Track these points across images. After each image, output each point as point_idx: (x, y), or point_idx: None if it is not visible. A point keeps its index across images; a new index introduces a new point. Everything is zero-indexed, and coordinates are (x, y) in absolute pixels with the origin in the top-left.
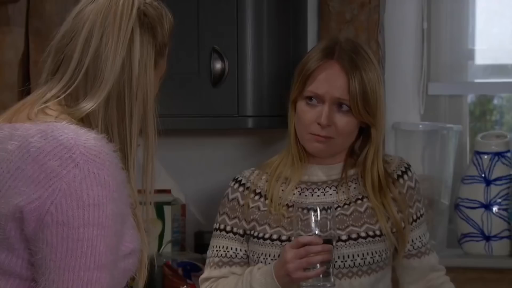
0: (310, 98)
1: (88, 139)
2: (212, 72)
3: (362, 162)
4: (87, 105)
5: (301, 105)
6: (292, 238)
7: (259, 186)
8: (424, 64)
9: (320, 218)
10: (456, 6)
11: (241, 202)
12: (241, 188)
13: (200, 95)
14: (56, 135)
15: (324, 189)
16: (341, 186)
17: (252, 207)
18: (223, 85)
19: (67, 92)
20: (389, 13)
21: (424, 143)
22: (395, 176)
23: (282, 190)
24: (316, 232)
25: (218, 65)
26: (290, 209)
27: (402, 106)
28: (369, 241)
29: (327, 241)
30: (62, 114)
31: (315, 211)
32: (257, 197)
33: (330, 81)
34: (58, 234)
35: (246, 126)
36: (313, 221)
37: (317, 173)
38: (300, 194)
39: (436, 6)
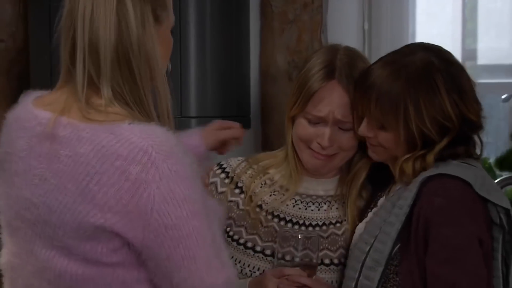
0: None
1: (157, 136)
2: None
3: (351, 178)
4: (107, 91)
5: (301, 121)
6: (267, 251)
7: (242, 180)
8: None
9: (303, 247)
10: (396, 8)
11: (220, 189)
12: (222, 175)
13: None
14: (127, 137)
15: (325, 204)
16: (336, 202)
17: (231, 201)
18: None
19: (86, 80)
20: (331, 13)
21: None
22: None
23: (270, 195)
24: (298, 259)
25: None
26: (281, 222)
27: None
28: None
29: (310, 269)
30: (108, 107)
31: (298, 238)
32: (237, 191)
33: (332, 103)
34: (172, 237)
35: (189, 127)
36: (295, 248)
37: (314, 187)
38: (294, 206)
39: (377, 7)
